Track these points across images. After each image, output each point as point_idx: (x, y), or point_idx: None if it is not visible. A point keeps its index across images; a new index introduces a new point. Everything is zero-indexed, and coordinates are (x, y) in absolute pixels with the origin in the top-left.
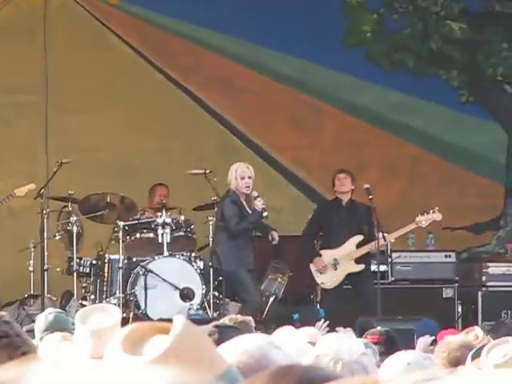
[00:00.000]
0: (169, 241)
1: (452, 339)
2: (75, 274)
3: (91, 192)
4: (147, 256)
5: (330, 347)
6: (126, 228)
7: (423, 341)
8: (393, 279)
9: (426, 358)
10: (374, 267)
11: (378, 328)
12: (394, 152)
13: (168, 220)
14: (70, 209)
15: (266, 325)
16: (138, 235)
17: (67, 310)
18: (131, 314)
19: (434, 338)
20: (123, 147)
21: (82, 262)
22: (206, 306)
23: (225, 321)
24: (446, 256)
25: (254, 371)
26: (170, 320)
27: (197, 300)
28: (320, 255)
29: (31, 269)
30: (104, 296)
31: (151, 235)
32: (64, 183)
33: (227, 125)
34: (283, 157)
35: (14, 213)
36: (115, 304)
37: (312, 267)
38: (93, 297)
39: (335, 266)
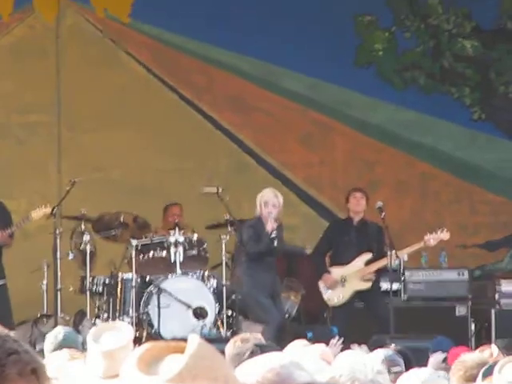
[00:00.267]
0: (182, 259)
1: (468, 357)
2: (88, 293)
3: (104, 211)
4: (160, 275)
5: (345, 367)
6: (139, 247)
7: (435, 358)
8: (406, 297)
9: (439, 376)
10: (386, 285)
11: (392, 346)
12: (406, 170)
13: (181, 239)
14: (83, 228)
15: (280, 343)
16: (150, 254)
17: (80, 329)
18: (144, 333)
19: (445, 355)
20: (136, 166)
21: (95, 281)
22: (219, 324)
23: (236, 340)
24: (459, 274)
25: None
26: (183, 339)
27: (210, 319)
28: (329, 272)
29: (44, 288)
30: (117, 315)
31: (164, 254)
32: (77, 202)
33: (239, 143)
34: (295, 175)
35: (27, 232)
36: (128, 323)
37: (320, 284)
38: (106, 316)
39: (343, 283)
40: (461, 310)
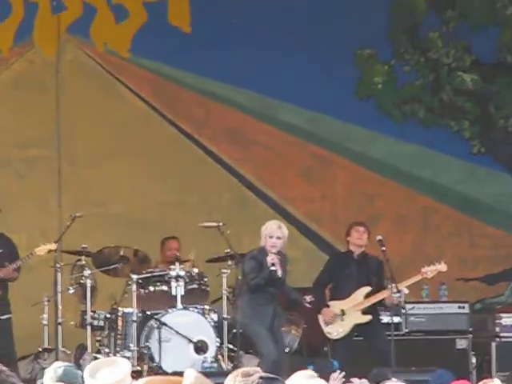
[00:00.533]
0: (182, 293)
1: None
2: (89, 327)
3: (104, 245)
4: (161, 309)
5: None
6: (140, 281)
7: None
8: (407, 330)
9: None
10: (387, 319)
11: (393, 380)
12: (406, 203)
13: (181, 273)
14: (84, 262)
15: (282, 377)
16: (151, 288)
17: (81, 364)
18: (145, 367)
19: None
20: (136, 200)
21: (96, 315)
22: (220, 358)
23: (237, 374)
24: (460, 307)
25: None
26: (182, 373)
27: (211, 353)
28: (328, 306)
29: (45, 322)
30: (118, 349)
31: (165, 288)
32: (77, 237)
33: (239, 177)
34: (295, 209)
35: (27, 266)
36: (129, 357)
37: (320, 318)
38: (107, 350)
39: (342, 316)
40: (461, 343)
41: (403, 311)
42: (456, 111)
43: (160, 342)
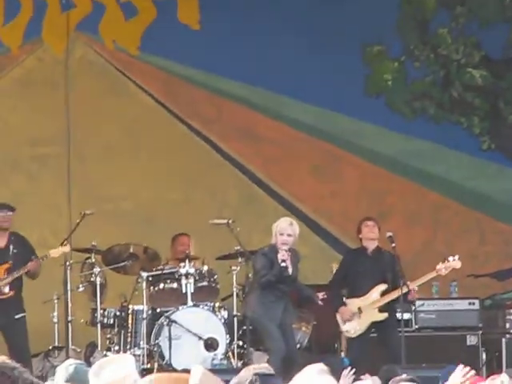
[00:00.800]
0: (192, 291)
1: None
2: (99, 325)
3: (114, 243)
4: (171, 306)
5: None
6: (150, 279)
7: None
8: (417, 327)
9: None
10: (398, 315)
11: (403, 376)
12: (416, 200)
13: (191, 270)
14: (94, 260)
15: (286, 373)
16: (161, 286)
17: (91, 362)
18: (156, 365)
19: None
20: (146, 197)
21: (106, 313)
22: (231, 355)
23: (248, 370)
24: (470, 303)
25: None
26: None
27: (221, 350)
28: (345, 304)
29: (55, 320)
30: (128, 347)
31: (175, 285)
32: (87, 234)
33: (249, 174)
34: (305, 206)
35: None
36: (139, 355)
37: (338, 316)
38: (117, 348)
39: (359, 314)
40: (472, 340)
41: (413, 308)
42: (466, 107)
43: (170, 339)
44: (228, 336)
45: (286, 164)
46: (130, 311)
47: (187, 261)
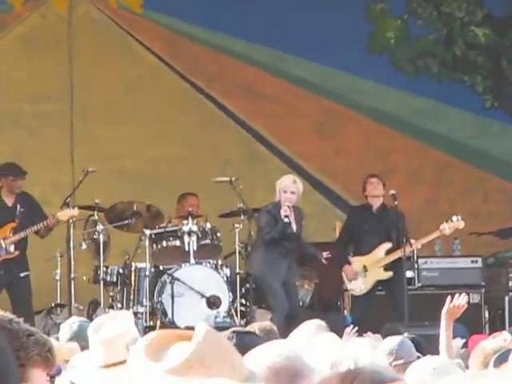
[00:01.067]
0: (195, 249)
1: (487, 344)
2: (102, 282)
3: (117, 201)
4: (174, 264)
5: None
6: (153, 236)
7: (454, 343)
8: (419, 285)
9: (451, 363)
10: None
11: (405, 334)
12: (419, 158)
13: (194, 228)
14: (97, 218)
15: (289, 330)
16: (164, 243)
17: (94, 319)
18: (158, 323)
19: (465, 340)
20: (149, 155)
21: (109, 270)
22: (233, 313)
23: (253, 328)
24: (473, 261)
25: (289, 374)
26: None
27: (224, 308)
28: (349, 263)
29: (58, 278)
30: (131, 304)
31: (177, 243)
32: (90, 192)
33: (252, 132)
34: (308, 163)
35: None
36: (142, 312)
37: (343, 274)
38: (120, 305)
39: (364, 273)
40: (475, 298)
41: (416, 266)
42: (469, 65)
43: (173, 297)
44: (231, 294)
45: (289, 121)
46: (132, 269)
47: (190, 218)
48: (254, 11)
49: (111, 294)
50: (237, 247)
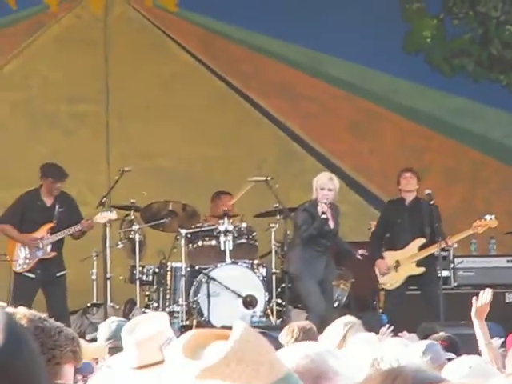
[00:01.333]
0: (231, 248)
1: None
2: (138, 282)
3: (153, 200)
4: (210, 264)
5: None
6: (188, 236)
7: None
8: (455, 284)
9: (487, 362)
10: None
11: (441, 333)
12: (455, 157)
13: (230, 227)
14: (133, 217)
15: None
16: (200, 243)
17: (130, 319)
18: (194, 322)
19: (503, 340)
20: (184, 155)
21: (145, 270)
22: (269, 313)
23: (291, 327)
24: (509, 261)
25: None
26: (232, 328)
27: (260, 307)
28: (382, 257)
29: (94, 277)
30: (167, 304)
31: (213, 243)
32: (126, 192)
33: (288, 131)
34: (344, 163)
35: None
36: (178, 312)
37: (376, 269)
38: (156, 305)
39: (397, 268)
40: (510, 297)
41: (452, 265)
42: (505, 65)
43: (209, 296)
44: (267, 293)
45: (325, 121)
46: (168, 268)
47: (226, 218)
48: (289, 11)
49: (147, 293)
50: (273, 247)
